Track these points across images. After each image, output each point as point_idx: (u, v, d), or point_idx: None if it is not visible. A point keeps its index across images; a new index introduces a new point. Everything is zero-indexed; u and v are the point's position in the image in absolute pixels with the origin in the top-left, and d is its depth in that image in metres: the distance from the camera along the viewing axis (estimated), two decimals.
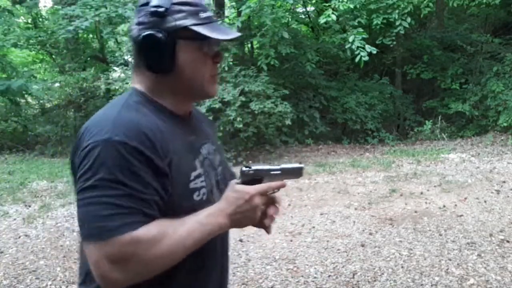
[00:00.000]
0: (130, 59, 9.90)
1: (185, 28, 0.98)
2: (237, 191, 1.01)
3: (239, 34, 1.09)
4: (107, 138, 0.89)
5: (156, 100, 1.03)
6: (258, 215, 1.03)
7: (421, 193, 5.18)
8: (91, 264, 0.90)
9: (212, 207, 1.00)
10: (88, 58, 10.93)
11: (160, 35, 0.97)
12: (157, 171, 0.93)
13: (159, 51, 0.98)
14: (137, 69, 1.05)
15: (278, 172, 1.06)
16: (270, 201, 1.07)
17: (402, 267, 3.32)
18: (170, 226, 0.93)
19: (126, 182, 0.89)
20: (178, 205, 0.96)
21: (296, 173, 1.09)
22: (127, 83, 8.28)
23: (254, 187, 1.01)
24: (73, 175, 0.97)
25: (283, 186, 1.07)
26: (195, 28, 0.99)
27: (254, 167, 1.05)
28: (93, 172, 0.89)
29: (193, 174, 1.02)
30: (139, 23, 1.01)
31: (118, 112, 0.95)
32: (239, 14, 8.13)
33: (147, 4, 1.00)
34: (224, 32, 1.02)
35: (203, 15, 1.01)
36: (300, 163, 1.07)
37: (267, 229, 1.11)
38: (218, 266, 1.14)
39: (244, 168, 1.05)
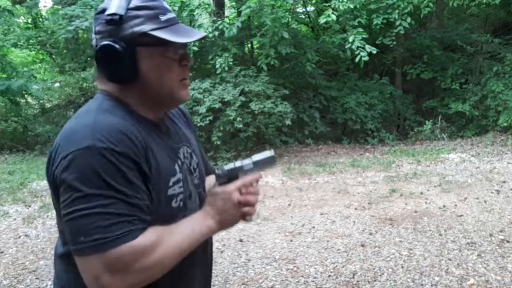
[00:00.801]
0: None
1: (144, 34, 0.94)
2: (215, 193, 1.04)
3: (203, 34, 1.03)
4: (90, 145, 0.86)
5: (127, 103, 1.00)
6: (240, 211, 1.04)
7: (421, 193, 5.18)
8: (88, 277, 0.88)
9: (199, 212, 1.03)
10: (88, 58, 10.92)
11: (116, 45, 0.93)
12: (144, 176, 0.92)
13: (117, 61, 0.94)
14: (100, 79, 1.01)
15: (251, 166, 1.08)
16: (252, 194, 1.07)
17: (402, 267, 3.32)
18: (166, 232, 0.93)
19: (119, 188, 0.87)
20: (156, 212, 0.95)
21: (268, 162, 1.10)
22: None
23: (230, 186, 1.03)
24: (53, 188, 0.93)
25: (258, 178, 1.08)
26: (154, 33, 0.94)
27: (226, 168, 1.07)
28: (82, 182, 0.85)
29: (172, 179, 1.01)
30: (96, 32, 0.97)
31: (95, 118, 0.91)
32: (239, 14, 8.13)
33: (103, 11, 0.96)
34: (187, 34, 0.98)
35: (163, 17, 0.96)
36: (271, 150, 1.06)
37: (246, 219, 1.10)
38: (200, 269, 1.13)
39: (217, 171, 1.08)
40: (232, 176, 1.06)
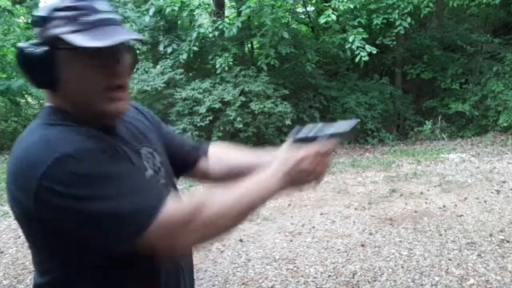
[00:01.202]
0: None
1: (59, 37, 0.86)
2: (286, 153, 1.00)
3: (126, 37, 0.89)
4: (63, 153, 0.80)
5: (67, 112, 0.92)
6: (308, 178, 1.01)
7: (421, 193, 5.18)
8: (162, 249, 0.87)
9: (266, 172, 0.98)
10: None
11: (30, 48, 0.87)
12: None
13: (33, 66, 0.87)
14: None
15: (331, 132, 1.03)
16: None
17: (402, 267, 3.33)
18: (219, 191, 0.93)
19: (121, 167, 0.87)
20: None
21: (350, 131, 1.04)
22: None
23: (303, 151, 0.99)
24: (19, 210, 0.86)
25: (334, 147, 1.02)
26: (65, 36, 0.85)
27: (305, 129, 1.04)
28: (76, 183, 0.80)
29: (147, 174, 0.99)
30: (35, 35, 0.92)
31: (44, 134, 0.85)
32: (239, 14, 8.13)
33: None
34: (107, 37, 0.85)
35: (84, 19, 0.86)
36: (356, 119, 1.01)
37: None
38: (177, 269, 1.08)
39: (295, 129, 1.04)
40: (308, 139, 1.02)
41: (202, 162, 1.23)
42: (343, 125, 1.04)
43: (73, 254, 0.89)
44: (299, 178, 0.99)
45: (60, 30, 0.86)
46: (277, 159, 1.00)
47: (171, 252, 0.92)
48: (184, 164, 1.21)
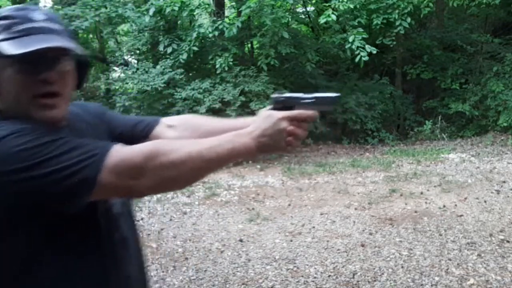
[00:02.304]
0: (130, 59, 9.92)
1: None
2: (264, 116, 1.00)
3: (51, 44, 0.89)
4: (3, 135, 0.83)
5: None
6: (284, 140, 0.99)
7: (421, 193, 5.18)
8: (120, 192, 0.90)
9: (241, 130, 0.99)
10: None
11: None
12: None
13: None
14: None
15: (311, 100, 1.03)
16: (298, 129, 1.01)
17: (402, 267, 3.33)
18: (191, 142, 0.94)
19: (62, 135, 0.87)
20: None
21: (330, 102, 1.05)
22: (127, 83, 8.30)
23: (282, 112, 0.99)
24: None
25: (314, 117, 1.01)
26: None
27: (285, 94, 1.04)
28: (19, 156, 0.81)
29: None
30: None
31: None
32: (239, 14, 8.13)
33: None
34: (31, 45, 0.87)
35: (18, 27, 0.89)
36: (337, 93, 1.02)
37: (288, 152, 1.06)
38: (124, 274, 1.06)
39: (275, 95, 1.04)
40: (288, 104, 1.02)
41: (161, 133, 1.17)
42: (324, 96, 1.05)
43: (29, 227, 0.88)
44: (276, 138, 0.98)
45: None
46: (256, 119, 1.01)
47: (129, 194, 0.92)
48: (133, 140, 1.12)
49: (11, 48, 0.87)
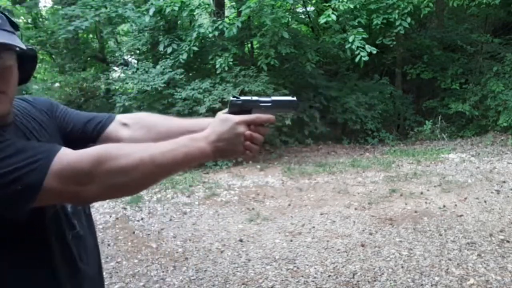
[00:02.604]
0: (130, 59, 9.91)
1: None
2: (221, 120, 0.97)
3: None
4: None
5: None
6: (241, 144, 0.97)
7: (421, 193, 5.18)
8: (66, 199, 0.87)
9: (196, 134, 0.96)
10: (88, 58, 10.94)
11: None
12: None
13: None
14: None
15: (268, 104, 1.00)
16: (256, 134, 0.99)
17: (402, 267, 3.32)
18: (145, 145, 0.90)
19: (5, 138, 0.85)
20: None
21: (289, 106, 1.03)
22: (126, 83, 8.30)
23: (240, 116, 0.96)
24: None
25: (272, 121, 0.99)
26: None
27: (242, 98, 1.00)
28: None
29: None
30: None
31: None
32: (239, 14, 8.13)
33: None
34: None
35: None
36: (293, 96, 1.01)
37: (246, 158, 1.06)
38: (78, 236, 1.05)
39: (232, 98, 1.00)
40: (245, 108, 0.99)
41: (114, 131, 1.12)
42: (281, 99, 1.02)
43: None
44: (233, 142, 0.96)
45: None
46: (213, 122, 0.98)
47: (76, 200, 0.89)
48: (85, 136, 1.11)
49: None
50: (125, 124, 1.13)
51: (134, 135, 1.11)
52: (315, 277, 3.25)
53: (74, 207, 1.05)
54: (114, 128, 1.12)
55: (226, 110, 1.01)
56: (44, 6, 12.15)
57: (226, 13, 10.06)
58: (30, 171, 0.81)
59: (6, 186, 0.80)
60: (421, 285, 3.05)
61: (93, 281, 1.10)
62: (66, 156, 0.85)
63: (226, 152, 0.97)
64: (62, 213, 1.01)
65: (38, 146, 0.87)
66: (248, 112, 0.99)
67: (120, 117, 1.15)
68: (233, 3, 9.08)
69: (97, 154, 0.85)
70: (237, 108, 0.99)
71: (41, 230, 0.95)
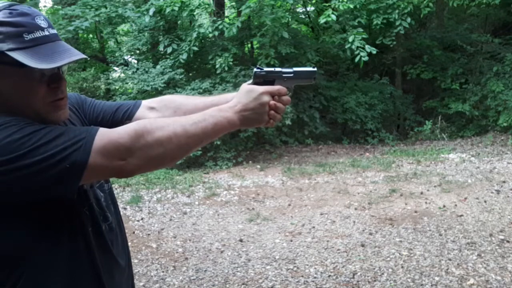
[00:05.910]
0: (130, 59, 9.91)
1: (2, 53, 0.87)
2: (247, 90, 1.03)
3: (74, 57, 0.92)
4: None
5: None
6: (266, 113, 1.03)
7: (421, 193, 5.18)
8: (111, 173, 0.91)
9: (223, 105, 1.02)
10: (88, 58, 10.95)
11: None
12: None
13: None
14: None
15: (290, 74, 1.06)
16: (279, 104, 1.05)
17: (402, 267, 3.33)
18: (175, 118, 0.97)
19: (46, 124, 0.88)
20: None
21: (309, 76, 1.09)
22: (126, 83, 8.30)
23: (264, 87, 1.02)
24: None
25: (291, 89, 1.06)
26: (11, 53, 0.86)
27: (266, 69, 1.06)
28: (5, 148, 0.82)
29: None
30: None
31: None
32: (239, 14, 8.13)
33: None
34: (53, 56, 0.89)
35: (28, 36, 0.88)
36: (314, 67, 1.07)
37: (269, 126, 1.09)
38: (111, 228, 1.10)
39: (256, 69, 1.06)
40: (268, 78, 1.05)
41: (142, 115, 1.19)
42: (302, 70, 1.09)
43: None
44: (259, 112, 1.02)
45: (2, 46, 0.87)
46: (238, 93, 1.04)
47: (120, 174, 0.93)
48: (115, 125, 1.11)
49: (29, 60, 0.87)
50: (152, 108, 1.21)
51: (162, 117, 1.18)
52: (315, 277, 3.25)
53: (107, 201, 1.11)
54: (142, 113, 1.20)
55: (250, 81, 1.07)
56: (44, 6, 12.16)
57: (226, 13, 10.06)
58: (75, 150, 0.86)
59: (55, 165, 0.84)
60: (421, 285, 3.05)
61: (124, 273, 1.14)
62: (106, 133, 0.89)
63: (252, 121, 1.03)
64: (97, 206, 1.06)
65: (78, 129, 0.93)
66: (271, 82, 1.05)
67: (146, 102, 1.24)
68: (233, 3, 9.08)
69: (135, 129, 0.90)
70: (261, 79, 1.05)
71: (79, 221, 0.99)
